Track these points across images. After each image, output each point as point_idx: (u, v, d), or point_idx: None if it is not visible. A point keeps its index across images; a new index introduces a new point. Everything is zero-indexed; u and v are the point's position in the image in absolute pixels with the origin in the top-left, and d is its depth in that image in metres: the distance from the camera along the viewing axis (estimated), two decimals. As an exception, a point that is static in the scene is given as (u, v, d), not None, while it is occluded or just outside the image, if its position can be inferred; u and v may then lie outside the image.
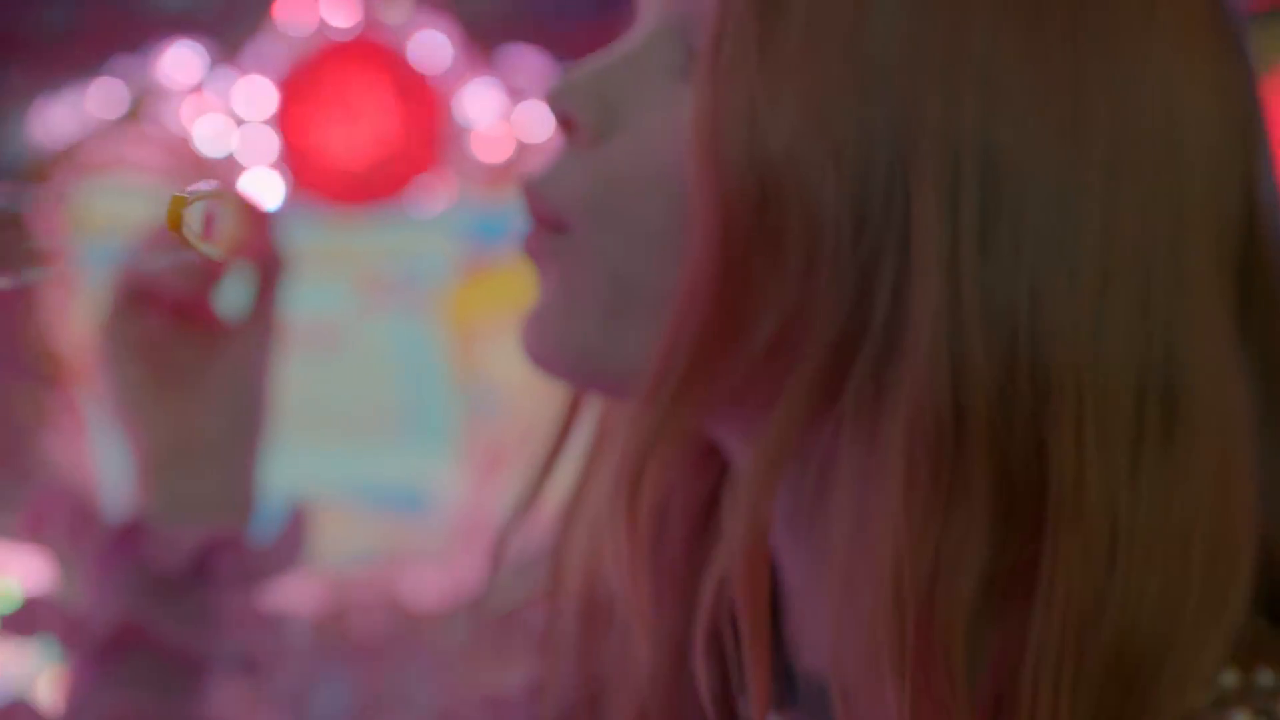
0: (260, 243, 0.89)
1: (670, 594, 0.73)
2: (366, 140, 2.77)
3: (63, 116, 2.63)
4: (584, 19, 2.93)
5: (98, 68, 2.64)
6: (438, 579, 2.82)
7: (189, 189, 0.63)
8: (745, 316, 0.60)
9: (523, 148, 2.85)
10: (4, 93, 2.60)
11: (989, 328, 0.57)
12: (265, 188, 2.74)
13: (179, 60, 2.69)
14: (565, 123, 0.67)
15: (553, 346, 0.66)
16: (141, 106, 2.67)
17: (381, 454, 2.88)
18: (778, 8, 0.60)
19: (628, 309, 0.64)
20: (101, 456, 2.65)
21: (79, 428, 2.65)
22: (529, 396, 3.08)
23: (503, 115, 2.84)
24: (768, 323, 0.60)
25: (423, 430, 2.93)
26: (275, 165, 2.75)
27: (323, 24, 2.74)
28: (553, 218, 0.66)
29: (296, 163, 2.76)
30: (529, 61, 2.83)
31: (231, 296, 0.89)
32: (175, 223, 0.63)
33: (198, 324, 0.90)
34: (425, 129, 2.81)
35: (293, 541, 0.90)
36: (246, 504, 0.90)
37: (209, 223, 0.67)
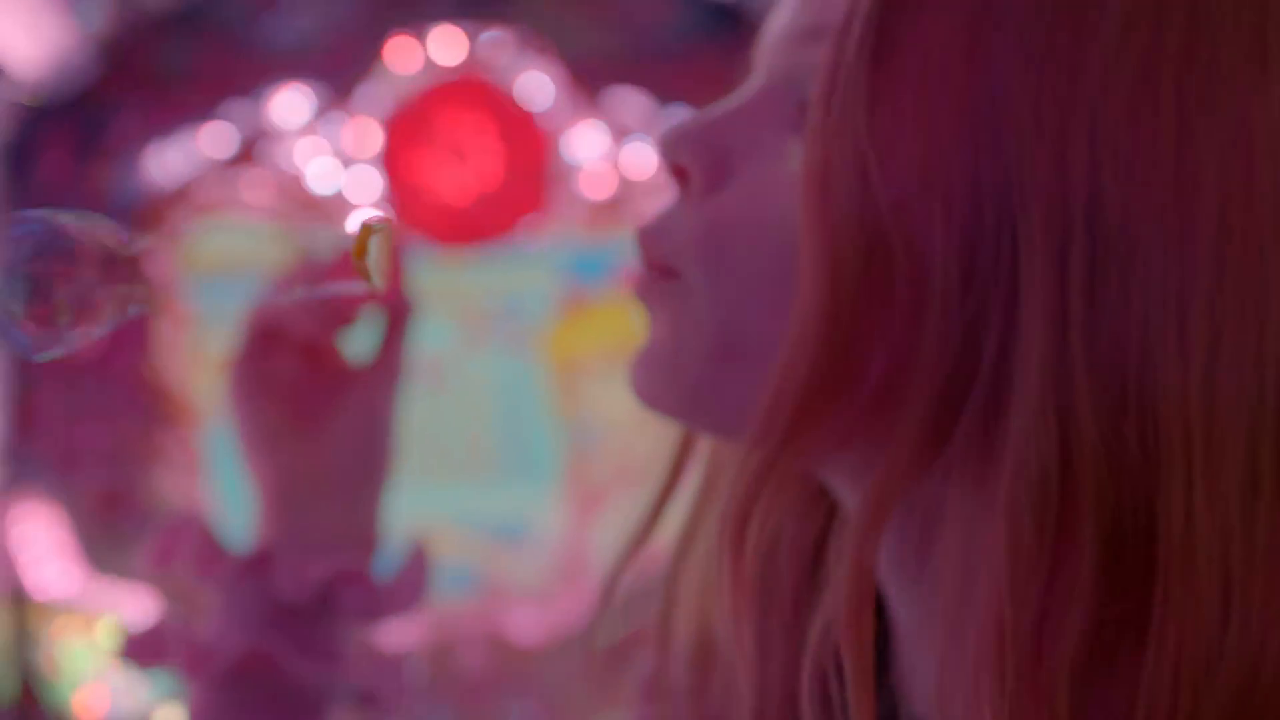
0: (392, 284, 0.91)
1: (777, 636, 0.74)
2: (472, 179, 2.81)
3: (176, 158, 2.69)
4: (684, 61, 2.96)
5: (210, 110, 2.70)
6: (540, 614, 2.84)
7: (369, 219, 0.65)
8: (853, 364, 0.60)
9: (626, 186, 2.88)
10: (119, 135, 2.66)
11: (1097, 380, 0.57)
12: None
13: (289, 102, 2.74)
14: (678, 171, 0.68)
15: (662, 387, 0.67)
16: (253, 148, 2.73)
17: (483, 489, 2.91)
18: (888, 61, 0.60)
19: (736, 353, 0.64)
20: (213, 492, 2.70)
21: (192, 464, 2.70)
22: (629, 432, 3.10)
23: (606, 154, 2.87)
24: (875, 370, 0.60)
25: (524, 466, 2.96)
26: (381, 204, 2.79)
27: (429, 65, 2.78)
28: (665, 264, 0.67)
29: (403, 201, 2.80)
30: (631, 102, 2.86)
31: (358, 337, 0.91)
32: (362, 251, 0.65)
33: (325, 364, 0.92)
34: (530, 168, 2.84)
35: (415, 578, 0.91)
36: (370, 541, 0.91)
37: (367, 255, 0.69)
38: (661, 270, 0.67)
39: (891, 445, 0.61)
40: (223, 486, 2.70)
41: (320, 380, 0.92)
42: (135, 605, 2.59)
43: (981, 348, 0.60)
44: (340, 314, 0.90)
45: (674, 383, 0.67)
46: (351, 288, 0.86)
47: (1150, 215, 0.57)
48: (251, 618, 0.87)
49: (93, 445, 2.64)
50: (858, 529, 0.61)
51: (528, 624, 2.83)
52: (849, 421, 0.62)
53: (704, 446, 0.80)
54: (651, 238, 0.68)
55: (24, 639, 2.54)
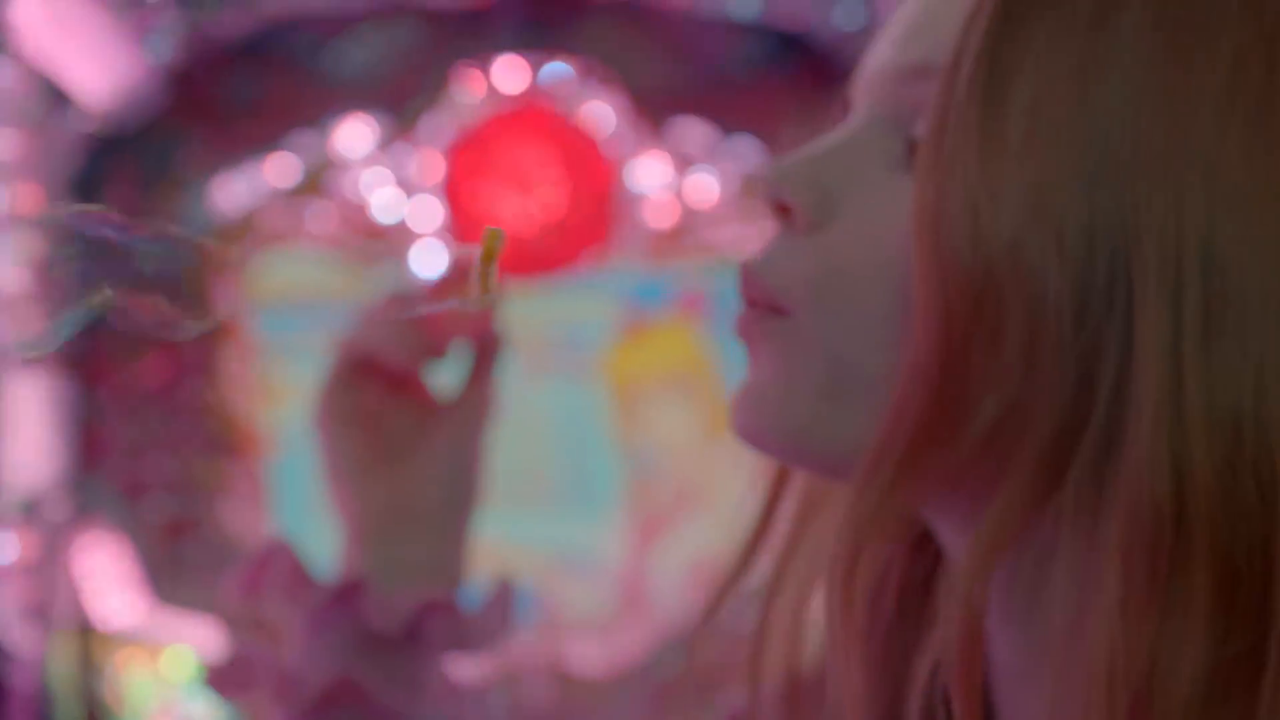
0: (484, 316, 0.91)
1: (881, 676, 0.73)
2: (535, 209, 2.81)
3: (241, 188, 2.71)
4: (748, 91, 2.96)
5: (276, 140, 2.71)
6: (602, 645, 2.83)
7: (491, 229, 0.65)
8: (964, 404, 0.59)
9: (689, 215, 2.88)
10: (186, 164, 2.68)
11: (1212, 422, 0.56)
12: (433, 255, 2.79)
13: (353, 133, 2.75)
14: (781, 208, 0.68)
15: (768, 426, 0.66)
16: (318, 177, 2.74)
17: (544, 518, 2.91)
18: (1000, 99, 0.59)
19: (845, 392, 0.64)
20: (277, 523, 2.70)
21: (257, 494, 2.70)
22: (690, 459, 3.10)
23: (669, 184, 2.87)
24: (987, 411, 0.59)
25: (585, 494, 2.95)
26: (444, 234, 2.80)
27: (493, 95, 2.79)
28: (771, 301, 0.66)
29: (465, 231, 2.81)
30: (695, 132, 2.86)
31: (447, 370, 0.91)
32: (490, 258, 0.65)
33: (414, 396, 0.93)
34: (593, 198, 2.84)
35: (501, 610, 0.91)
36: (456, 573, 0.91)
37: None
38: (768, 307, 0.67)
39: (1003, 487, 0.60)
40: (287, 516, 2.70)
41: (409, 412, 0.92)
42: (200, 636, 2.60)
43: (1095, 389, 0.60)
44: (431, 346, 0.90)
45: (781, 421, 0.66)
46: (447, 313, 0.87)
47: (1266, 255, 0.57)
48: (339, 647, 0.87)
49: (158, 476, 2.65)
50: (968, 572, 0.60)
51: (589, 655, 2.82)
52: (960, 463, 0.61)
53: (798, 482, 0.79)
54: (757, 275, 0.67)
55: (89, 670, 2.55)
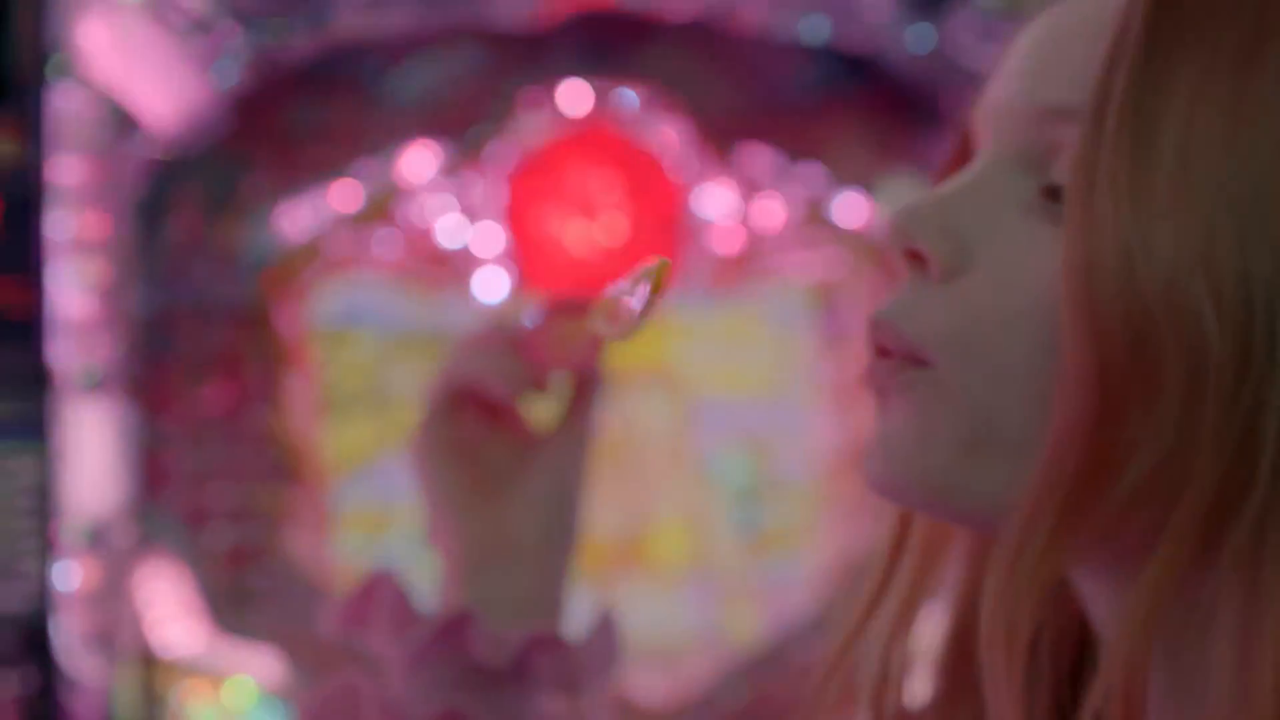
0: (586, 353, 0.91)
1: None
2: (599, 235, 2.79)
3: (306, 214, 2.70)
4: (815, 115, 2.94)
5: (340, 167, 2.70)
6: (666, 677, 2.81)
7: (653, 258, 0.64)
8: (1120, 459, 0.58)
9: (755, 242, 2.85)
10: (250, 191, 2.67)
11: None
12: (494, 281, 2.77)
13: (417, 159, 2.74)
14: (913, 255, 0.66)
15: (905, 477, 0.65)
16: (382, 204, 2.73)
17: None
18: (1148, 145, 0.58)
19: (987, 444, 0.62)
20: (340, 554, 2.69)
21: (321, 522, 2.69)
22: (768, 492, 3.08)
23: (735, 210, 2.84)
24: (1144, 465, 0.58)
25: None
26: (507, 260, 2.78)
27: (557, 120, 2.77)
28: (910, 351, 0.65)
29: (529, 257, 2.79)
30: (761, 158, 2.84)
31: (547, 404, 0.91)
32: (658, 289, 0.64)
33: (512, 429, 0.91)
34: (658, 224, 2.82)
35: (606, 644, 0.91)
36: (558, 607, 0.91)
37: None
38: (906, 357, 0.65)
39: (1162, 544, 0.59)
40: (351, 544, 2.69)
41: (508, 445, 0.92)
42: (263, 665, 2.59)
43: (1260, 443, 0.58)
44: (532, 378, 0.89)
45: (920, 473, 0.65)
46: (549, 345, 0.86)
47: None
48: (445, 682, 0.87)
49: (220, 503, 2.64)
50: (1129, 628, 0.59)
51: (653, 686, 2.80)
52: (1115, 519, 0.60)
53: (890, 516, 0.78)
54: (892, 324, 0.66)
55: (152, 699, 2.54)
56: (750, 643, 2.87)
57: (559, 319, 0.86)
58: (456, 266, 2.76)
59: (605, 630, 0.93)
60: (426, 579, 0.91)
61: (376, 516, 2.71)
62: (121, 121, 2.46)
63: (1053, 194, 0.63)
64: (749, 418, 2.93)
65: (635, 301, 0.68)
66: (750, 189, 2.85)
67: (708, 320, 2.90)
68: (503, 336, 0.88)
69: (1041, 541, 0.59)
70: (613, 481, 2.85)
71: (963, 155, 0.72)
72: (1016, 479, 0.61)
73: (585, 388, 0.93)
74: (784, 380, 2.93)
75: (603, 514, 2.76)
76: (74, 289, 2.42)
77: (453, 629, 0.87)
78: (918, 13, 2.54)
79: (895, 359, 0.66)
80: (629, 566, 2.85)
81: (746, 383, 2.93)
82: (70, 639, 2.42)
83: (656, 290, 0.63)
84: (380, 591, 0.89)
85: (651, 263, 0.65)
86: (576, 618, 0.91)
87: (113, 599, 2.48)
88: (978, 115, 0.70)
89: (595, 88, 2.80)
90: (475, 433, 0.91)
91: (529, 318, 0.87)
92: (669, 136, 2.81)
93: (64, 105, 2.40)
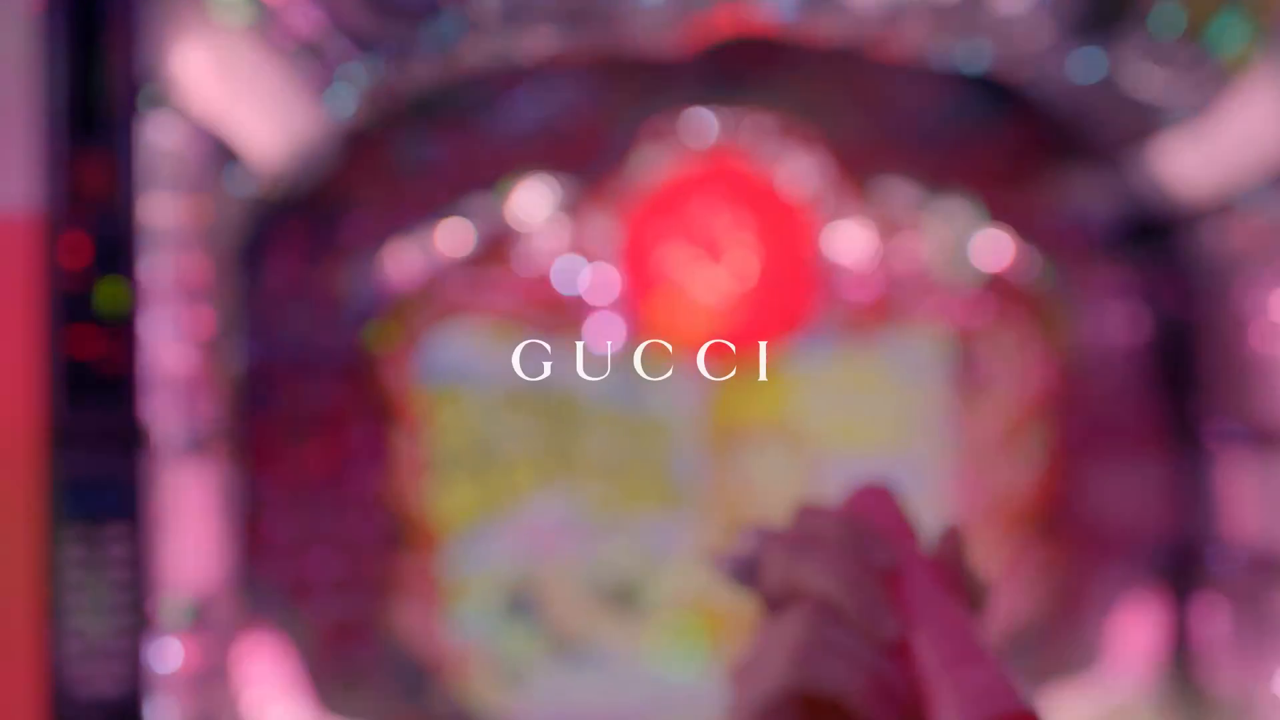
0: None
1: None
2: (727, 277, 2.57)
3: (414, 256, 2.48)
4: (956, 145, 2.72)
5: (449, 205, 2.48)
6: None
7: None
8: None
9: (891, 284, 2.63)
10: (354, 232, 2.45)
11: None
12: (609, 328, 2.55)
13: (531, 195, 2.52)
14: None
15: None
16: (493, 246, 2.51)
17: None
18: None
19: None
20: (452, 624, 2.47)
21: (431, 593, 2.47)
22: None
23: (873, 250, 2.63)
24: None
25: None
26: (623, 304, 2.57)
27: (681, 153, 2.56)
28: None
29: (650, 302, 2.57)
30: (900, 192, 2.62)
31: None
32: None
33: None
34: (790, 266, 2.60)
35: None
36: None
37: None
38: None
39: None
40: (464, 615, 2.48)
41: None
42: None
43: None
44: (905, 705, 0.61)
45: None
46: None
47: None
48: None
49: (324, 573, 2.41)
50: None
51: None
52: None
53: None
54: None
55: (254, 788, 2.31)
56: None
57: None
58: (573, 313, 2.54)
59: None
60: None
61: (487, 584, 2.49)
62: (221, 156, 2.24)
63: None
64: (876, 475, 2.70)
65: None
66: (888, 228, 2.63)
67: (833, 369, 2.67)
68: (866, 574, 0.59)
69: None
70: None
71: None
72: None
73: None
74: (915, 435, 2.71)
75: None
76: (171, 340, 2.20)
77: None
78: (1083, 38, 2.31)
79: None
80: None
81: (873, 437, 2.70)
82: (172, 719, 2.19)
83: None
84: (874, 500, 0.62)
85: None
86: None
87: (213, 679, 2.25)
88: None
89: (723, 117, 2.58)
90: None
91: (882, 554, 0.59)
92: (802, 170, 2.59)
93: (158, 138, 2.18)
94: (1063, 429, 2.63)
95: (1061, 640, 2.62)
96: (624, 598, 2.58)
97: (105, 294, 2.22)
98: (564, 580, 2.55)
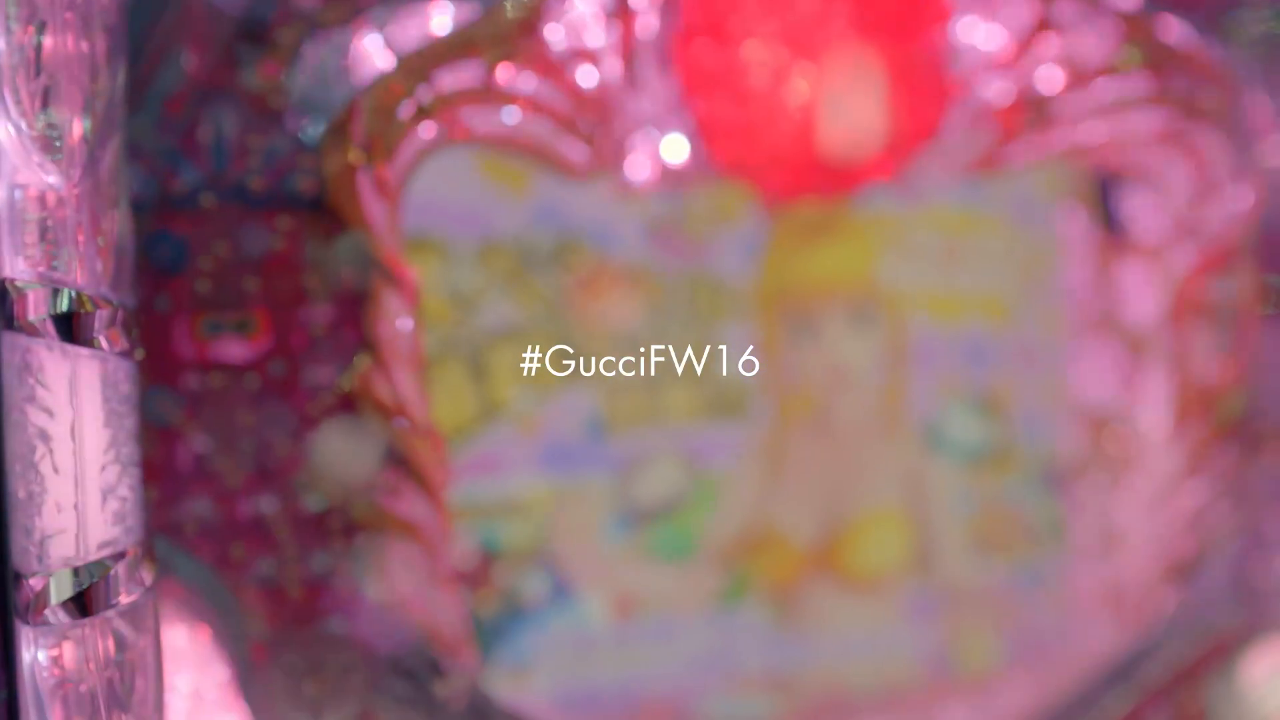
0: None
1: None
2: (819, 82, 1.81)
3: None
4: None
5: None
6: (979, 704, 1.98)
7: None
8: None
9: (1028, 99, 1.92)
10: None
11: None
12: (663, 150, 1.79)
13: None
14: None
15: None
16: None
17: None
18: None
19: None
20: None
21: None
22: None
23: (1009, 48, 1.89)
24: None
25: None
26: (682, 115, 1.79)
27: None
28: None
29: (713, 113, 1.80)
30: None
31: None
32: None
33: None
34: (914, 66, 1.85)
35: None
36: None
37: None
38: None
39: None
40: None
41: None
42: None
43: None
44: None
45: None
46: None
47: None
48: None
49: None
50: None
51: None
52: None
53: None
54: None
55: None
56: (988, 672, 2.01)
57: None
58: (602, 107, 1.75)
59: None
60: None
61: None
62: None
63: None
64: (983, 356, 2.03)
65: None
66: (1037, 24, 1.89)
67: (932, 217, 1.98)
68: None
69: None
70: (804, 457, 1.92)
71: None
72: None
73: None
74: (1033, 305, 2.04)
75: (792, 503, 1.91)
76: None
77: None
78: None
79: None
80: (826, 573, 1.94)
81: (982, 307, 2.02)
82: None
83: None
84: None
85: None
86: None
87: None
88: None
89: None
90: None
91: None
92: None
93: None
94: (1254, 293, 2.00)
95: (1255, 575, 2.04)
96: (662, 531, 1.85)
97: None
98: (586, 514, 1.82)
